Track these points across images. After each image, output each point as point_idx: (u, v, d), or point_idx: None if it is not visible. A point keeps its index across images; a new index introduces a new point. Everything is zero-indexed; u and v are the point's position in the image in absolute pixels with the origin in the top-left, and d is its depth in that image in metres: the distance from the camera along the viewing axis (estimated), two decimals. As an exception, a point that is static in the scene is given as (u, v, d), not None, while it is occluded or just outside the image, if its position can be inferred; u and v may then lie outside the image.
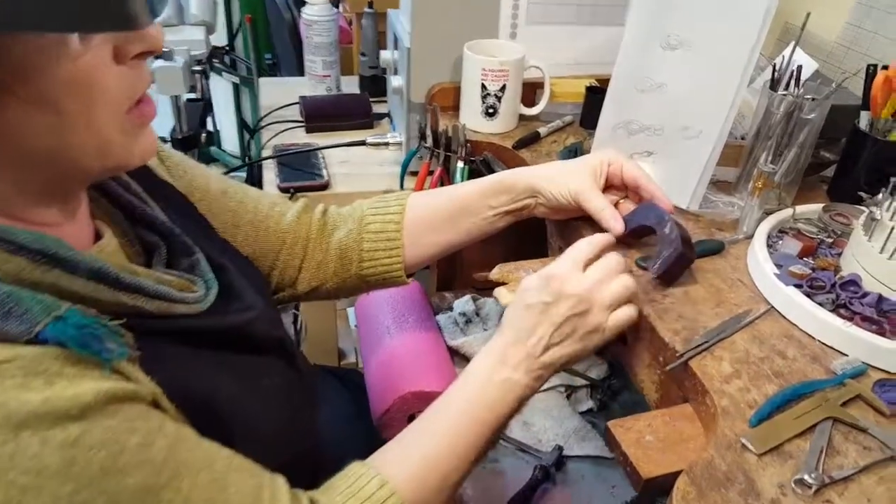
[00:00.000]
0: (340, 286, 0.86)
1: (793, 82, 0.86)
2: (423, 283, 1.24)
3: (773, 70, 0.86)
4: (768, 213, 0.81)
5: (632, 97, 0.88)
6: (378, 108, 1.50)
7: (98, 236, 0.56)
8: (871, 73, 0.84)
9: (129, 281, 0.50)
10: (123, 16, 0.42)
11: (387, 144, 1.35)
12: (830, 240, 0.78)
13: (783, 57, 0.87)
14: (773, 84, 0.86)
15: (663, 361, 0.67)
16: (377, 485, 0.57)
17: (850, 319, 0.65)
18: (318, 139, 1.40)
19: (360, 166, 1.33)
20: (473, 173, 1.09)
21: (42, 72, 0.43)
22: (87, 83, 0.45)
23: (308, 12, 1.50)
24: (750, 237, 0.79)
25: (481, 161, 1.09)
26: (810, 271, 0.72)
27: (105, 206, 0.59)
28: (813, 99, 0.81)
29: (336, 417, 1.02)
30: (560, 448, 0.94)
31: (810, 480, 0.51)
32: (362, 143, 1.35)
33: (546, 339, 0.65)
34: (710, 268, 0.77)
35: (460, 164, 1.09)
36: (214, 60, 1.75)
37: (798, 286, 0.69)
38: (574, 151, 1.01)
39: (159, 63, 1.50)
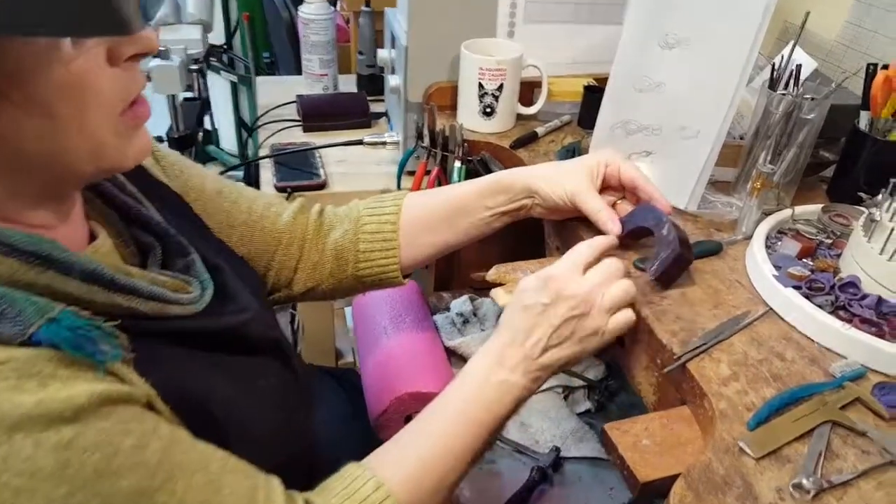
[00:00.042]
0: (336, 287, 0.85)
1: (792, 82, 0.85)
2: (420, 282, 1.24)
3: (772, 69, 0.86)
4: (767, 213, 0.80)
5: (630, 97, 0.87)
6: (376, 108, 1.50)
7: (93, 237, 0.56)
8: (870, 72, 0.84)
9: (123, 282, 0.50)
10: (116, 21, 0.42)
11: (384, 144, 1.34)
12: (830, 241, 0.78)
13: (782, 56, 0.86)
14: (772, 83, 0.85)
15: (661, 364, 0.66)
16: (373, 487, 0.57)
17: (850, 321, 0.64)
18: (316, 138, 1.40)
19: (358, 165, 1.33)
20: (471, 173, 1.08)
21: (35, 76, 0.43)
22: (81, 86, 0.45)
23: (305, 11, 1.50)
24: (748, 238, 0.78)
25: (478, 161, 1.09)
26: (809, 273, 0.71)
27: (100, 206, 0.59)
28: (812, 98, 0.81)
29: (333, 418, 1.02)
30: (557, 449, 0.93)
31: (808, 485, 0.51)
32: (359, 143, 1.34)
33: (544, 340, 0.65)
34: (708, 269, 0.76)
35: (457, 164, 1.08)
36: (212, 59, 1.74)
37: (797, 288, 0.68)
38: (572, 151, 1.01)
39: (156, 62, 1.50)
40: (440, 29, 1.10)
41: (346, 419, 1.02)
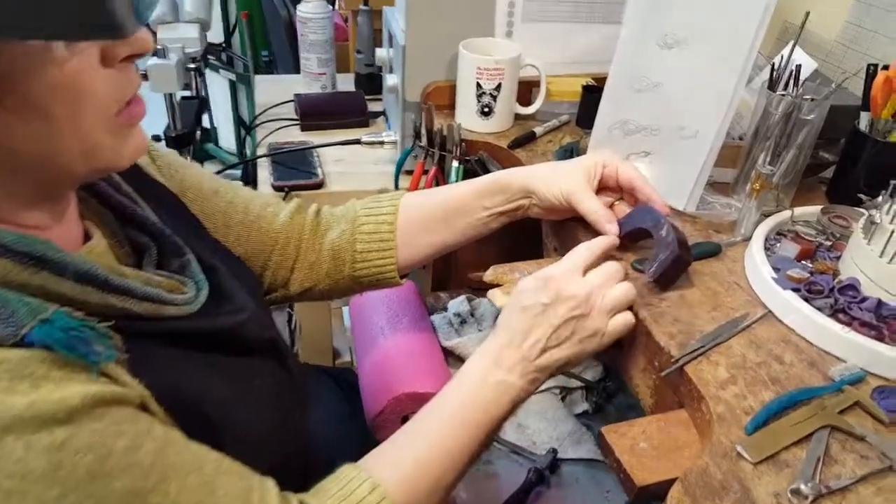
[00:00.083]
0: (333, 287, 0.85)
1: (791, 82, 0.85)
2: (417, 282, 1.23)
3: (772, 69, 0.85)
4: (766, 214, 0.80)
5: (628, 97, 0.87)
6: (374, 107, 1.49)
7: (88, 237, 0.56)
8: (871, 73, 0.83)
9: (117, 283, 0.50)
10: (108, 25, 0.42)
11: (382, 143, 1.34)
12: (829, 243, 0.77)
13: (782, 56, 0.86)
14: (772, 84, 0.85)
15: (658, 366, 0.66)
16: (368, 488, 0.57)
17: (849, 325, 0.64)
18: (313, 137, 1.40)
19: (355, 165, 1.32)
20: (468, 173, 1.08)
21: (28, 78, 0.43)
22: (74, 88, 0.45)
23: (303, 10, 1.49)
24: (747, 239, 0.78)
25: (476, 161, 1.08)
26: (808, 275, 0.71)
27: (95, 206, 0.59)
28: (812, 99, 0.80)
29: (330, 417, 1.02)
30: (554, 451, 0.93)
31: (806, 490, 0.50)
32: (357, 142, 1.34)
33: (543, 341, 0.64)
34: (706, 270, 0.76)
35: (455, 164, 1.08)
36: (211, 57, 1.74)
37: (796, 290, 0.68)
38: (570, 151, 1.01)
39: (153, 61, 1.50)
40: (438, 28, 1.10)
41: (343, 419, 1.02)
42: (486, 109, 1.09)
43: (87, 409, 0.42)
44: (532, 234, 0.97)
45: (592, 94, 1.06)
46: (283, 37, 2.16)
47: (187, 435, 0.50)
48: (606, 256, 0.72)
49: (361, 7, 1.52)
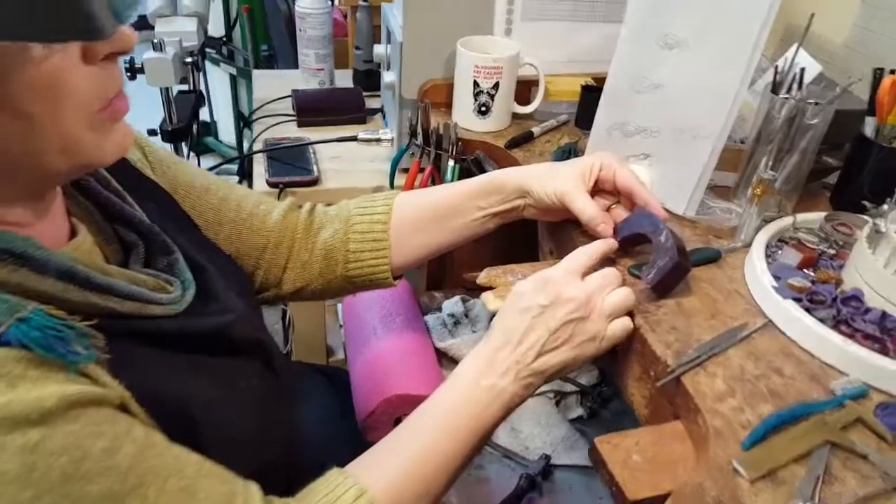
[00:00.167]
0: (326, 287, 0.85)
1: (795, 85, 0.83)
2: (412, 282, 1.22)
3: (775, 72, 0.84)
4: (767, 220, 0.78)
5: (628, 97, 0.85)
6: (372, 104, 1.48)
7: (75, 234, 0.56)
8: (877, 77, 0.82)
9: (99, 281, 0.49)
10: (86, 27, 0.42)
11: (378, 141, 1.32)
12: (832, 251, 0.75)
13: (786, 58, 0.84)
14: (775, 87, 0.83)
15: (654, 376, 0.64)
16: (354, 495, 0.56)
17: (852, 337, 0.62)
18: (310, 133, 1.39)
19: (352, 162, 1.31)
20: (464, 172, 1.07)
21: (6, 79, 0.43)
22: (54, 85, 0.45)
23: (302, 5, 1.48)
24: (748, 246, 0.76)
25: (473, 160, 1.07)
26: (810, 284, 0.69)
27: (83, 203, 0.59)
28: (816, 103, 0.79)
29: (321, 417, 1.01)
30: (547, 457, 0.92)
31: (805, 510, 0.49)
32: (353, 139, 1.32)
33: (539, 344, 0.63)
34: (705, 277, 0.74)
35: (451, 163, 1.07)
36: (211, 51, 1.74)
37: (797, 300, 0.66)
38: (568, 152, 0.99)
39: (149, 54, 1.48)
40: (436, 25, 1.09)
41: (335, 419, 1.01)
42: (483, 108, 1.07)
43: (63, 410, 0.42)
44: (528, 236, 0.96)
45: (592, 94, 1.05)
46: (283, 31, 2.15)
47: (169, 437, 0.50)
48: (604, 261, 0.71)
49: (361, 3, 1.51)
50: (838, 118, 0.81)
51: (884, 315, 0.63)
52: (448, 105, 1.13)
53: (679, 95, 0.82)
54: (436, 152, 1.08)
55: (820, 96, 0.80)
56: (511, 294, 0.67)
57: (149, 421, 0.49)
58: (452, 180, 1.07)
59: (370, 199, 0.86)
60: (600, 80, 0.92)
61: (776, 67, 0.84)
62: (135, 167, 0.68)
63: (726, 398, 0.59)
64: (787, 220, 0.79)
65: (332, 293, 0.87)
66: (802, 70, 0.83)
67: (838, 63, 1.07)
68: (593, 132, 0.90)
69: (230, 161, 1.82)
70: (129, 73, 1.50)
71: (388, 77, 1.19)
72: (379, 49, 1.27)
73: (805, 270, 0.73)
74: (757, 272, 0.70)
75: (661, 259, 0.68)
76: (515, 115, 1.13)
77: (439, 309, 1.15)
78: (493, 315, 0.69)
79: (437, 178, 1.10)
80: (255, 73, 1.79)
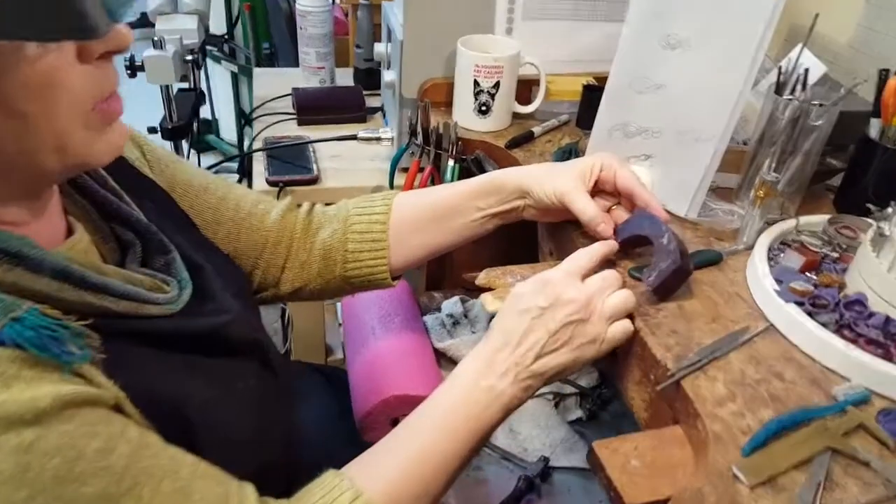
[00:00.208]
0: (324, 287, 0.85)
1: (799, 86, 0.82)
2: (411, 282, 1.22)
3: (779, 73, 0.83)
4: (770, 223, 0.77)
5: (629, 98, 0.84)
6: (373, 102, 1.47)
7: (71, 233, 0.56)
8: (882, 78, 0.81)
9: (94, 280, 0.49)
10: (79, 26, 0.42)
11: (378, 140, 1.32)
12: (836, 254, 0.74)
13: (790, 59, 0.83)
14: (779, 88, 0.82)
15: (654, 380, 0.63)
16: (350, 497, 0.56)
17: (854, 342, 0.61)
18: (311, 132, 1.38)
19: (351, 161, 1.31)
20: (464, 172, 1.07)
21: (0, 77, 0.43)
22: (48, 84, 0.44)
23: (302, 3, 1.47)
24: (750, 248, 0.75)
25: (473, 160, 1.07)
26: (813, 288, 0.68)
27: (79, 201, 0.59)
28: (820, 104, 0.78)
29: (319, 416, 1.01)
30: (546, 459, 0.91)
31: (806, 518, 0.48)
32: (353, 138, 1.32)
33: (539, 346, 0.63)
34: (706, 280, 0.73)
35: (451, 163, 1.06)
36: (213, 49, 1.73)
37: (799, 304, 0.65)
38: (569, 152, 0.99)
39: (149, 52, 1.48)
40: (437, 24, 1.08)
41: (333, 418, 1.01)
42: (483, 108, 1.07)
43: (57, 410, 0.42)
44: (528, 237, 0.95)
45: (593, 93, 1.04)
46: (284, 29, 2.14)
47: (165, 438, 0.50)
48: (605, 262, 0.71)
49: (362, 1, 1.50)
50: (843, 119, 0.80)
51: (887, 320, 0.62)
52: (448, 104, 1.13)
53: (681, 96, 0.81)
54: (436, 152, 1.08)
55: (824, 97, 0.80)
56: (510, 295, 0.67)
57: (144, 421, 0.49)
58: (452, 180, 1.07)
59: (369, 198, 0.85)
60: (602, 80, 0.91)
61: (780, 68, 0.83)
62: (133, 166, 0.68)
63: (727, 403, 0.58)
64: (789, 223, 0.78)
65: (330, 293, 0.87)
66: (806, 71, 0.83)
67: (843, 64, 1.06)
68: (594, 132, 0.89)
69: (230, 159, 1.82)
70: (129, 71, 1.50)
71: (388, 76, 1.19)
72: (379, 48, 1.26)
73: (808, 274, 0.72)
74: (759, 275, 0.69)
75: (663, 261, 0.68)
76: (516, 115, 1.12)
77: (438, 309, 1.14)
78: (492, 316, 0.69)
79: (436, 177, 1.10)
80: (256, 70, 1.78)
